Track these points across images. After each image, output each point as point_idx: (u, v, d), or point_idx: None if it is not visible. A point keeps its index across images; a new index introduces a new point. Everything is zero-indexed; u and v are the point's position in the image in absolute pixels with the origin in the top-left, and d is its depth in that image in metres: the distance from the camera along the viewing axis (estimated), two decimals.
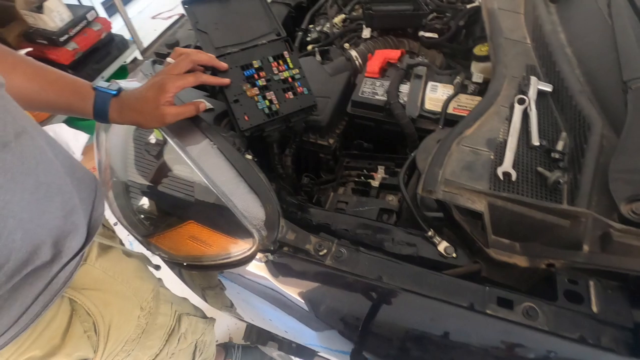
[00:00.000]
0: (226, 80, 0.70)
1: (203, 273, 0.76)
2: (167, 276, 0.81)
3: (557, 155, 0.55)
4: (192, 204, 0.59)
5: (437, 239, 0.62)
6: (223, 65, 0.71)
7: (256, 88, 0.73)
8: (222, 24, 0.78)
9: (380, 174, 0.85)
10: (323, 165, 0.92)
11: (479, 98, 0.81)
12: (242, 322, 1.03)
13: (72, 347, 0.57)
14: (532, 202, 0.49)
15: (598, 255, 0.49)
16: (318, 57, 1.04)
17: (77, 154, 1.86)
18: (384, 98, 0.84)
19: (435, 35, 1.01)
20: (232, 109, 0.71)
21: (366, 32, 1.05)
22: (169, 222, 0.64)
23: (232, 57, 0.73)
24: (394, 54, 0.91)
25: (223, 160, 0.62)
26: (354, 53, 0.98)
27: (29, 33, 1.92)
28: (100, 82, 0.64)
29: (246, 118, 0.71)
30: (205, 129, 0.71)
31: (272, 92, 0.74)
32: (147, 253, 0.75)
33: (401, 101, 0.82)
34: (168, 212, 0.65)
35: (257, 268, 0.57)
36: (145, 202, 0.70)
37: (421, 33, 1.01)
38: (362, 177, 0.85)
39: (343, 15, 1.17)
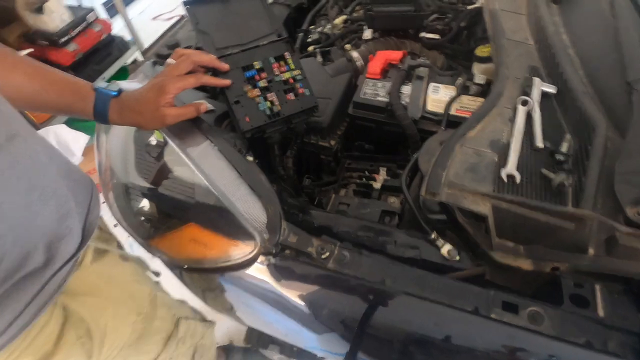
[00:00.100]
0: (227, 82, 0.70)
1: (203, 275, 0.75)
2: (166, 278, 0.81)
3: (561, 158, 0.54)
4: (193, 206, 0.58)
5: (440, 242, 0.61)
6: (224, 66, 0.70)
7: (257, 89, 0.73)
8: (223, 24, 0.77)
9: (381, 176, 0.85)
10: (324, 166, 0.92)
11: (481, 99, 0.81)
12: (243, 325, 1.02)
13: (65, 353, 0.55)
14: (536, 204, 0.49)
15: (604, 259, 0.48)
16: (319, 58, 1.04)
17: (78, 155, 1.86)
18: (386, 99, 0.83)
19: (437, 36, 1.00)
20: (233, 110, 0.70)
21: (367, 33, 1.05)
22: (169, 224, 0.64)
23: (233, 58, 0.73)
24: (395, 55, 0.90)
25: (224, 161, 0.62)
26: (355, 54, 0.97)
27: (29, 34, 1.92)
28: (101, 83, 0.64)
29: (247, 119, 0.71)
30: (206, 130, 0.71)
31: (273, 93, 0.74)
32: (147, 256, 0.75)
33: (403, 102, 0.81)
34: (169, 214, 0.64)
35: (259, 271, 0.56)
36: (145, 204, 0.70)
37: (422, 34, 1.00)
38: (364, 179, 0.85)
39: (344, 17, 1.17)
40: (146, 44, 2.37)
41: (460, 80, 0.83)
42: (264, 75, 0.74)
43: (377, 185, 0.83)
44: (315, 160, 0.91)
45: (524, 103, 0.61)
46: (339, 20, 1.17)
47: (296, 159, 0.88)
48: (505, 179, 0.54)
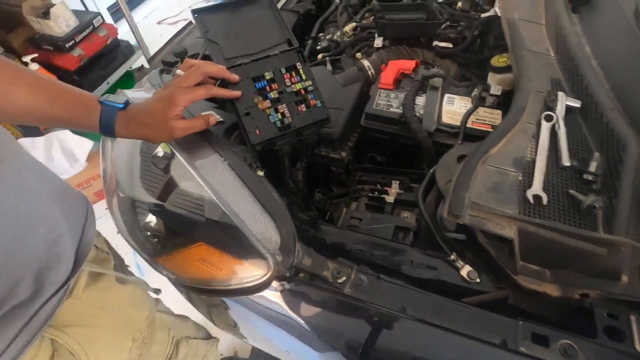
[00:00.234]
0: (237, 93, 0.68)
1: None
2: (168, 294, 0.78)
3: (589, 177, 0.52)
4: (203, 225, 0.56)
5: (459, 263, 0.58)
6: (234, 77, 0.68)
7: (268, 101, 0.70)
8: (232, 33, 0.75)
9: (394, 189, 0.82)
10: (334, 178, 0.89)
11: (498, 111, 0.78)
12: (247, 343, 1.00)
13: None
14: (569, 230, 0.46)
15: (639, 287, 0.46)
16: (329, 67, 1.02)
17: (81, 161, 1.85)
18: (399, 111, 0.81)
19: (450, 45, 0.98)
20: (243, 123, 0.68)
21: (378, 41, 1.02)
22: (177, 242, 0.61)
23: (243, 69, 0.71)
24: (408, 64, 0.88)
25: (234, 177, 0.60)
26: (366, 63, 0.95)
27: (35, 39, 1.91)
28: (107, 95, 0.62)
29: (257, 132, 0.69)
30: (215, 143, 0.68)
31: (284, 105, 0.71)
32: (147, 273, 0.72)
33: (417, 114, 0.79)
34: (177, 231, 0.62)
35: (272, 296, 0.54)
36: (152, 219, 0.68)
37: (435, 43, 0.98)
38: (376, 192, 0.82)
39: (354, 24, 1.15)
40: (151, 48, 2.35)
41: (476, 92, 0.80)
42: (275, 86, 0.72)
43: (390, 199, 0.81)
44: (326, 172, 0.88)
45: (548, 119, 0.58)
46: (348, 27, 1.15)
47: (306, 171, 0.85)
48: (531, 200, 0.51)
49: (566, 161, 0.54)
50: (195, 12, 0.75)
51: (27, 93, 0.51)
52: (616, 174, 0.51)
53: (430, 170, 0.69)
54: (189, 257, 0.58)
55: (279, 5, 1.28)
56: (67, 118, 0.57)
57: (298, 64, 0.74)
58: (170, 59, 1.11)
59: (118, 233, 0.77)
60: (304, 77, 0.74)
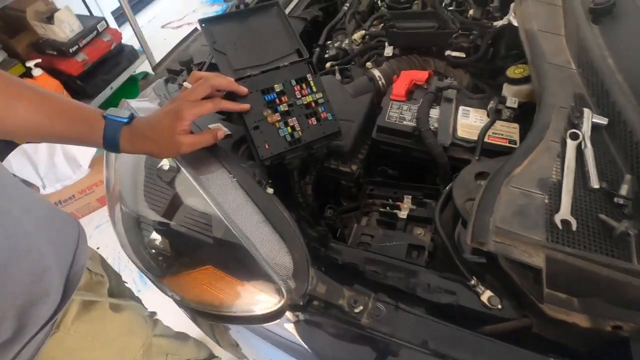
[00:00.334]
0: (246, 106, 0.65)
1: None
2: (167, 313, 0.75)
3: (620, 201, 0.49)
4: (210, 247, 0.53)
5: (480, 288, 0.55)
6: (243, 90, 0.66)
7: (278, 114, 0.68)
8: (240, 43, 0.73)
9: (406, 204, 0.79)
10: (344, 192, 0.87)
11: (515, 125, 0.75)
12: None
13: None
14: (601, 260, 0.43)
15: None
16: (338, 76, 0.99)
17: (84, 167, 1.83)
18: (412, 123, 0.78)
19: (463, 55, 0.95)
20: (252, 137, 0.66)
21: (388, 50, 1.00)
22: (184, 262, 0.59)
23: (252, 80, 0.68)
24: (421, 75, 0.85)
25: (243, 196, 0.57)
26: (376, 73, 0.93)
27: (38, 44, 1.90)
28: (111, 109, 0.59)
29: (267, 146, 0.66)
30: (223, 158, 0.66)
31: (294, 118, 0.69)
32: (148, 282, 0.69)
33: (431, 127, 0.76)
34: (183, 252, 0.59)
35: (284, 325, 0.51)
36: (157, 237, 0.65)
37: (448, 52, 0.95)
38: (388, 207, 0.79)
39: (362, 32, 1.13)
40: (155, 52, 2.34)
41: (492, 104, 0.77)
42: (284, 98, 0.69)
43: (402, 214, 0.78)
44: (335, 185, 0.86)
45: (574, 137, 0.55)
46: (357, 35, 1.12)
47: (315, 185, 0.82)
48: (559, 225, 0.48)
49: (595, 183, 0.51)
50: (202, 21, 0.73)
51: (28, 110, 0.49)
52: None
53: (447, 188, 0.66)
54: (195, 280, 0.55)
55: (286, 12, 1.25)
56: (70, 135, 0.54)
57: (309, 76, 0.72)
58: (176, 67, 1.09)
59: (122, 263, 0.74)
60: (314, 89, 0.72)
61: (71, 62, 1.90)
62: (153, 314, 0.72)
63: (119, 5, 2.05)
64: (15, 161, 1.67)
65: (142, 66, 2.30)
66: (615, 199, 0.49)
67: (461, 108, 0.79)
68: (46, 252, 0.46)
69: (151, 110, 0.80)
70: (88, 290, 0.61)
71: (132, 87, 2.21)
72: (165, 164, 0.70)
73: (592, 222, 0.49)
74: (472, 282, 0.55)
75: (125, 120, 0.59)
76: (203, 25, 0.73)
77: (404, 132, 0.78)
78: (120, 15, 2.89)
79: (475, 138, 0.74)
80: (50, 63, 1.89)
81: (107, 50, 2.03)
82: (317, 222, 0.80)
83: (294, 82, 0.70)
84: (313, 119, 0.70)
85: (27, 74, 1.80)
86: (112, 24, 2.71)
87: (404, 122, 0.79)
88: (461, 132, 0.76)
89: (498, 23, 0.97)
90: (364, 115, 0.84)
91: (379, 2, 1.25)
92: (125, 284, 0.82)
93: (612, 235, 0.47)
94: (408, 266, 0.62)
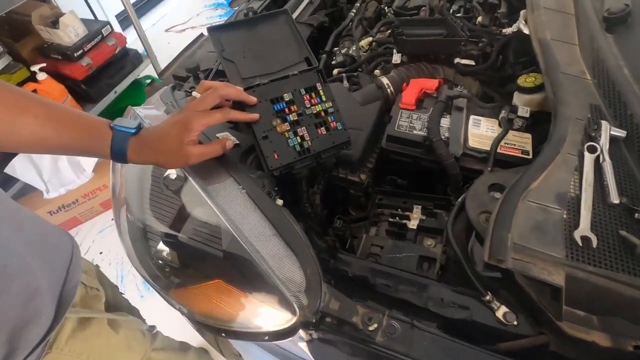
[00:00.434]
0: (255, 116, 0.64)
1: None
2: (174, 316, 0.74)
3: None
4: (220, 260, 0.52)
5: (495, 304, 0.54)
6: (252, 99, 0.65)
7: (287, 123, 0.67)
8: (249, 52, 0.72)
9: (416, 215, 0.78)
10: (353, 201, 0.85)
11: (527, 135, 0.74)
12: None
13: None
14: (627, 280, 0.42)
15: None
16: (346, 83, 0.98)
17: (88, 172, 1.82)
18: (422, 133, 0.77)
19: (472, 63, 0.94)
20: (261, 147, 0.65)
21: (396, 58, 0.99)
22: (192, 275, 0.58)
23: (261, 89, 0.67)
24: (430, 83, 0.84)
25: (253, 208, 0.56)
26: (385, 81, 0.92)
27: (43, 48, 1.90)
28: (118, 120, 0.58)
29: (276, 156, 0.65)
30: (232, 168, 0.65)
31: (303, 128, 0.68)
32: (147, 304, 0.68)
33: (442, 137, 0.75)
34: (192, 265, 0.58)
35: (297, 343, 0.50)
36: (165, 248, 0.64)
37: (457, 60, 0.94)
38: (397, 218, 0.78)
39: (370, 38, 1.12)
40: (159, 56, 2.34)
41: (504, 114, 0.76)
42: (293, 108, 0.68)
43: (412, 225, 0.77)
44: (344, 194, 0.85)
45: (592, 150, 0.54)
46: (364, 42, 1.11)
47: (323, 194, 0.81)
48: (579, 242, 0.47)
49: (615, 198, 0.49)
50: (210, 29, 0.72)
51: (34, 124, 0.48)
52: None
53: (459, 199, 0.65)
54: (204, 294, 0.54)
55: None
56: (77, 147, 0.54)
57: (318, 85, 0.71)
58: (182, 73, 1.08)
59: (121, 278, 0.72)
60: (324, 98, 0.71)
61: (76, 67, 1.90)
62: (152, 327, 0.70)
63: (123, 9, 2.06)
64: (19, 166, 1.67)
65: (146, 70, 2.30)
66: (637, 215, 0.48)
67: (472, 117, 0.78)
68: (38, 271, 0.45)
69: (158, 117, 0.80)
70: (84, 306, 0.60)
71: (136, 91, 2.20)
72: (172, 172, 0.69)
73: (613, 239, 0.47)
74: (487, 297, 0.54)
75: (133, 131, 0.58)
76: (211, 33, 0.72)
77: (415, 142, 0.76)
78: (124, 19, 2.89)
79: (487, 148, 0.73)
80: (55, 67, 1.89)
81: (111, 54, 2.03)
82: (325, 232, 0.79)
83: (303, 91, 0.70)
84: (322, 128, 0.69)
85: (32, 78, 1.80)
86: (117, 27, 2.72)
87: (414, 132, 0.78)
88: (472, 142, 0.75)
89: (507, 30, 0.96)
90: (372, 124, 0.83)
91: (385, 8, 1.24)
92: (122, 294, 0.80)
93: (633, 253, 0.46)
94: (420, 279, 0.61)
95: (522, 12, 0.93)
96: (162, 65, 2.26)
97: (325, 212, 0.83)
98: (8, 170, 1.66)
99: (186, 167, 0.63)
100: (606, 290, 0.45)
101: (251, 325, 0.50)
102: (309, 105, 0.69)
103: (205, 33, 1.23)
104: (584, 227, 0.48)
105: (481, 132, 0.76)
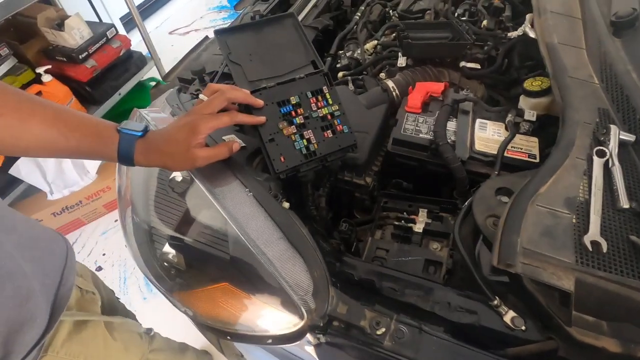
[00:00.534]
0: (262, 119, 0.64)
1: None
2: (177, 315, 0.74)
3: None
4: (227, 263, 0.52)
5: (503, 309, 0.54)
6: (259, 102, 0.65)
7: (293, 126, 0.67)
8: (256, 54, 0.72)
9: (422, 218, 0.78)
10: (358, 204, 0.85)
11: (534, 139, 0.74)
12: None
13: None
14: (638, 285, 0.41)
15: None
16: (351, 86, 0.98)
17: (92, 173, 1.83)
18: (428, 136, 0.77)
19: (478, 66, 0.94)
20: (267, 149, 0.65)
21: (402, 61, 0.99)
22: (198, 278, 0.57)
23: (268, 92, 0.68)
24: (436, 87, 0.84)
25: (260, 211, 0.56)
26: (390, 84, 0.91)
27: (48, 50, 1.91)
28: (124, 123, 0.58)
29: (282, 159, 0.65)
30: (238, 170, 0.65)
31: (310, 131, 0.68)
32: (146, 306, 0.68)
33: (448, 141, 0.75)
34: (198, 267, 0.58)
35: (304, 347, 0.49)
36: (170, 250, 0.64)
37: (462, 63, 0.94)
38: (403, 221, 0.78)
39: (375, 42, 1.12)
40: (163, 58, 2.35)
41: (510, 118, 0.76)
42: (300, 111, 0.68)
43: (417, 228, 0.76)
44: (349, 197, 0.84)
45: (601, 154, 0.54)
46: (369, 45, 1.12)
47: (329, 197, 0.81)
48: (589, 247, 0.46)
49: (625, 203, 0.49)
50: (217, 32, 0.72)
51: (41, 128, 0.48)
52: None
53: (466, 203, 0.65)
54: (210, 297, 0.54)
55: None
56: (84, 150, 0.54)
57: (325, 88, 0.71)
58: (187, 75, 1.09)
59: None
60: (330, 101, 0.71)
61: (80, 69, 1.91)
62: (149, 330, 0.70)
63: (127, 11, 2.07)
64: (24, 167, 1.68)
65: (150, 72, 2.31)
66: None
67: (478, 121, 0.78)
68: (31, 274, 0.44)
69: (164, 120, 0.80)
70: (80, 309, 0.60)
71: (140, 93, 2.21)
72: (177, 175, 0.69)
73: (623, 244, 0.47)
74: (495, 302, 0.53)
75: (139, 134, 0.58)
76: (218, 35, 0.72)
77: (421, 145, 0.76)
78: (128, 21, 2.91)
79: (493, 151, 0.73)
80: (60, 69, 1.90)
81: (116, 56, 2.04)
82: (330, 235, 0.79)
83: (309, 94, 0.70)
84: (329, 131, 0.69)
85: (37, 79, 1.81)
86: (121, 30, 2.74)
87: (420, 135, 0.77)
88: (479, 146, 0.74)
89: (513, 34, 0.96)
90: (378, 127, 0.83)
91: (390, 11, 1.24)
92: (118, 299, 0.80)
93: None
94: (426, 283, 0.60)
95: (528, 16, 0.93)
96: (166, 68, 2.27)
97: (331, 215, 0.83)
98: (12, 171, 1.67)
99: (193, 170, 0.63)
100: (616, 295, 0.44)
101: (258, 329, 0.50)
102: (316, 109, 0.69)
103: (210, 35, 1.24)
104: (594, 231, 0.47)
105: (487, 135, 0.76)
